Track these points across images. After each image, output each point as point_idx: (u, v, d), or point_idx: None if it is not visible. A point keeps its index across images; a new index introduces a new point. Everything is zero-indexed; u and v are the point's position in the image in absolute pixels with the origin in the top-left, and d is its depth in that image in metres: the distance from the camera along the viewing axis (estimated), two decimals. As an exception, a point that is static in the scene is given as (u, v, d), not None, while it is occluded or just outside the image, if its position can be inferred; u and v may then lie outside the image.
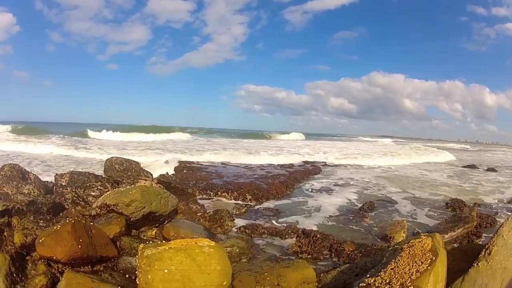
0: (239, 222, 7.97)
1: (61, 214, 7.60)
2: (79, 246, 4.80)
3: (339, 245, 6.35)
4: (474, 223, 7.79)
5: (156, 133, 38.12)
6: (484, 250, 4.12)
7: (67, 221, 5.10)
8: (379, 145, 51.23)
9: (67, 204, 8.08)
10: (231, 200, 10.24)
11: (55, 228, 4.93)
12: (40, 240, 4.87)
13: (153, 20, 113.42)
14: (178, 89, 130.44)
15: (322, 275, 4.82)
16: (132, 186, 8.04)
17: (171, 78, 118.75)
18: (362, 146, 43.50)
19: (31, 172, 10.46)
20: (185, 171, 14.25)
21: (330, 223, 8.42)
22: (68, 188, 8.77)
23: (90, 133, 32.53)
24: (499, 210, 10.45)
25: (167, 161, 17.06)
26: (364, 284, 3.57)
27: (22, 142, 22.34)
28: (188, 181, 11.52)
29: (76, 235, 4.83)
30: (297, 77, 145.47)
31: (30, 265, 5.16)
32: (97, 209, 6.76)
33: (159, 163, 16.13)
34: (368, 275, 3.73)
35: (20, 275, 4.91)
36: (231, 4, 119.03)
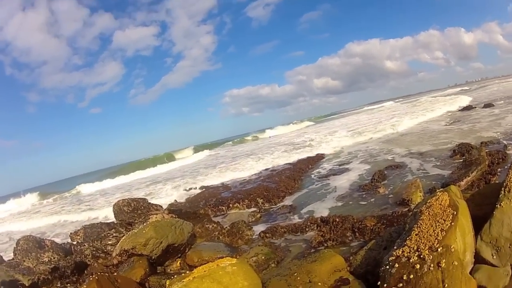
0: (258, 228, 7.91)
1: (85, 271, 7.58)
2: None
3: (360, 223, 6.30)
4: (486, 163, 7.75)
5: (152, 165, 38.13)
6: (503, 188, 4.07)
7: (91, 279, 5.11)
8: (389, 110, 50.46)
9: (88, 260, 8.06)
10: (244, 209, 10.15)
11: None
12: None
13: (123, 54, 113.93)
14: (164, 113, 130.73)
15: (351, 258, 4.78)
16: (145, 224, 8.01)
17: (154, 104, 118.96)
18: (364, 119, 41.44)
19: (46, 239, 10.35)
20: (192, 194, 14.15)
21: (346, 203, 8.37)
22: (85, 244, 8.73)
23: (89, 186, 32.04)
24: (507, 143, 10.34)
25: (173, 188, 16.93)
26: (394, 258, 3.56)
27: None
28: (198, 202, 11.44)
29: None
30: (276, 69, 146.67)
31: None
32: (117, 257, 6.83)
33: (166, 194, 16.00)
34: (395, 247, 3.75)
35: None
36: (193, 17, 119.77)
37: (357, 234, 6.11)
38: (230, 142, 55.99)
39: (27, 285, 7.01)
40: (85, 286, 4.94)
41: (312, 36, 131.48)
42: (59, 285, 6.81)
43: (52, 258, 8.80)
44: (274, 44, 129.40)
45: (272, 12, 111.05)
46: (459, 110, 24.49)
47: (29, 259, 9.04)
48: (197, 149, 51.91)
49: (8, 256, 9.86)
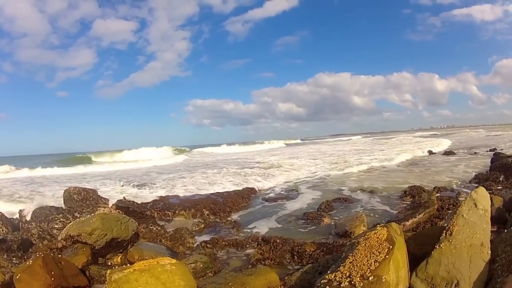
0: (200, 238, 8.04)
1: (30, 250, 7.66)
2: (52, 279, 5.01)
3: (300, 247, 6.47)
4: (436, 207, 8.05)
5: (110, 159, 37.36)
6: (444, 231, 4.37)
7: (37, 255, 5.37)
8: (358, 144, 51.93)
9: (34, 240, 8.14)
10: (189, 218, 10.26)
11: (27, 263, 5.16)
12: (17, 277, 5.09)
13: (98, 43, 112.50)
14: (128, 110, 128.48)
15: (286, 277, 4.94)
16: (92, 214, 8.06)
17: (120, 100, 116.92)
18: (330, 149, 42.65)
19: None
20: (141, 195, 13.98)
21: (289, 227, 8.61)
22: (32, 223, 8.75)
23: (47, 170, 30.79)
24: (461, 191, 10.93)
25: (123, 185, 16.82)
26: (326, 281, 3.73)
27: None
28: (145, 203, 11.39)
29: (47, 268, 5.04)
30: (244, 87, 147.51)
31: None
32: (62, 241, 6.95)
33: (116, 189, 15.85)
34: (329, 272, 3.92)
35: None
36: (173, 20, 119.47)
37: (295, 257, 6.30)
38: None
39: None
40: (31, 261, 5.11)
41: (285, 60, 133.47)
42: (5, 256, 6.84)
43: (0, 229, 8.76)
44: (246, 62, 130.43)
45: (250, 30, 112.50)
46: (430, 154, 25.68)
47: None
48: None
49: None
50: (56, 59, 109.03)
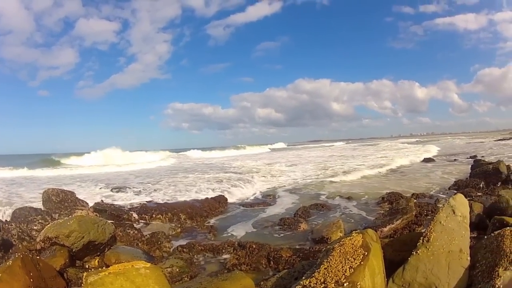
0: (177, 242, 8.03)
1: (10, 250, 7.63)
2: (31, 280, 4.99)
3: (276, 252, 6.51)
4: (413, 213, 8.16)
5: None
6: (422, 238, 4.44)
7: (16, 256, 5.31)
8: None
9: (14, 240, 8.06)
10: (166, 222, 10.22)
11: (7, 263, 5.08)
12: None
13: (81, 43, 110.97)
14: (108, 112, 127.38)
15: (262, 283, 5.02)
16: (70, 217, 8.00)
17: (100, 101, 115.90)
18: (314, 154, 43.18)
19: None
20: (119, 198, 13.98)
21: (265, 233, 8.67)
22: (12, 224, 8.69)
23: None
24: (439, 197, 11.23)
25: (100, 188, 16.68)
26: (300, 286, 3.74)
27: None
28: (123, 206, 11.42)
29: (26, 269, 5.01)
30: (223, 91, 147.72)
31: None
32: (41, 243, 6.91)
33: (94, 192, 15.71)
34: (303, 277, 3.92)
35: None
36: (155, 23, 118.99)
37: (271, 263, 6.35)
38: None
39: None
40: (10, 262, 5.06)
41: (264, 64, 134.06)
42: None
43: None
44: (226, 66, 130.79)
45: (231, 34, 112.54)
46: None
47: None
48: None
49: None
50: (39, 58, 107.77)
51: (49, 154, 53.36)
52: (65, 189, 12.34)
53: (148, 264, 4.45)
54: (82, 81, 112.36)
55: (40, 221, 8.82)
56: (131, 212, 10.65)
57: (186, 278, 5.88)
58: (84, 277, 4.16)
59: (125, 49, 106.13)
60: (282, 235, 8.45)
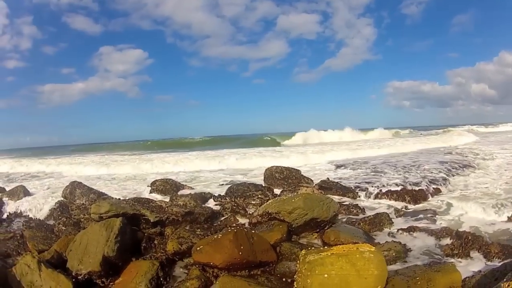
0: (397, 225, 8.04)
1: (219, 222, 8.38)
2: (240, 253, 5.37)
3: (486, 247, 6.28)
4: None
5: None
6: None
7: (229, 230, 5.87)
8: None
9: (226, 213, 8.83)
10: (390, 201, 10.30)
11: (215, 237, 5.66)
12: (198, 248, 5.64)
13: (287, 35, 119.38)
14: (324, 93, 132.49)
15: (467, 279, 4.87)
16: (294, 194, 8.64)
17: (317, 84, 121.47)
18: None
19: (186, 185, 12.13)
20: (344, 173, 14.57)
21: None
22: (227, 198, 9.76)
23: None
24: None
25: (329, 163, 17.65)
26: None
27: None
28: (349, 183, 11.78)
29: (237, 243, 5.42)
30: (433, 67, 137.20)
31: (180, 270, 6.00)
32: (258, 217, 7.45)
33: (321, 169, 16.51)
34: (504, 279, 3.65)
35: (167, 279, 5.81)
36: (353, 10, 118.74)
37: (482, 256, 6.15)
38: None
39: (152, 220, 7.36)
40: (220, 235, 5.61)
41: (465, 38, 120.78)
42: (187, 228, 7.13)
43: (188, 203, 9.48)
44: (429, 43, 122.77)
45: (424, 10, 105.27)
46: None
47: (163, 199, 10.14)
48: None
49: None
50: (246, 53, 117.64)
51: (263, 134, 58.55)
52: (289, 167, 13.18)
53: (373, 248, 4.43)
54: (297, 67, 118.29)
55: (259, 196, 9.57)
56: (356, 191, 11.02)
57: (399, 263, 5.87)
58: (302, 255, 4.43)
59: (331, 36, 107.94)
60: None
